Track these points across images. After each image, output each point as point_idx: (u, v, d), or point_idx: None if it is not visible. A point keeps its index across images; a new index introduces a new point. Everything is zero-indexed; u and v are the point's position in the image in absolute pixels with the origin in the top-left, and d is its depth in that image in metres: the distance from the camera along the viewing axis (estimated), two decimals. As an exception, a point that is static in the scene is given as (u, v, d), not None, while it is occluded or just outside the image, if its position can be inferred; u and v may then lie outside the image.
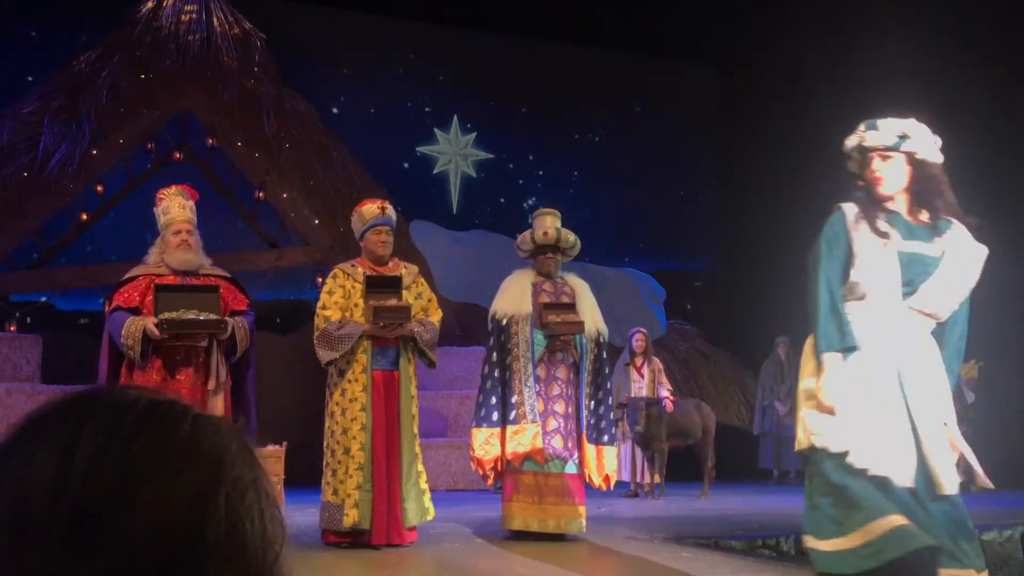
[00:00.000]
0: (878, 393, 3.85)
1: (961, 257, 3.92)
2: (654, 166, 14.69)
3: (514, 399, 6.39)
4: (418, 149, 14.21)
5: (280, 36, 12.08)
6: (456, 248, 13.16)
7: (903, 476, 3.77)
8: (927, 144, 3.95)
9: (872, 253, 3.86)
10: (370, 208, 6.21)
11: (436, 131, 14.30)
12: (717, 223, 14.73)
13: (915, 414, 3.83)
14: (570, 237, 6.70)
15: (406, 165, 14.13)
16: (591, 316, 6.55)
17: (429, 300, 6.25)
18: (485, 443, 6.44)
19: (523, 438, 6.33)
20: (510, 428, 6.39)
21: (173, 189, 5.59)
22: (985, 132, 11.38)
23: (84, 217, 11.40)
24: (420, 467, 6.09)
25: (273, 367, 10.45)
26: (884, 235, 3.87)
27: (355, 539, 5.92)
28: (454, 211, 14.27)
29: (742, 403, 12.93)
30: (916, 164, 3.93)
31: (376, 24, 13.70)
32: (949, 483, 3.80)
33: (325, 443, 6.06)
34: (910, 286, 3.88)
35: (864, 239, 3.88)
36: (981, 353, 11.58)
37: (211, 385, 5.32)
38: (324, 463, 6.05)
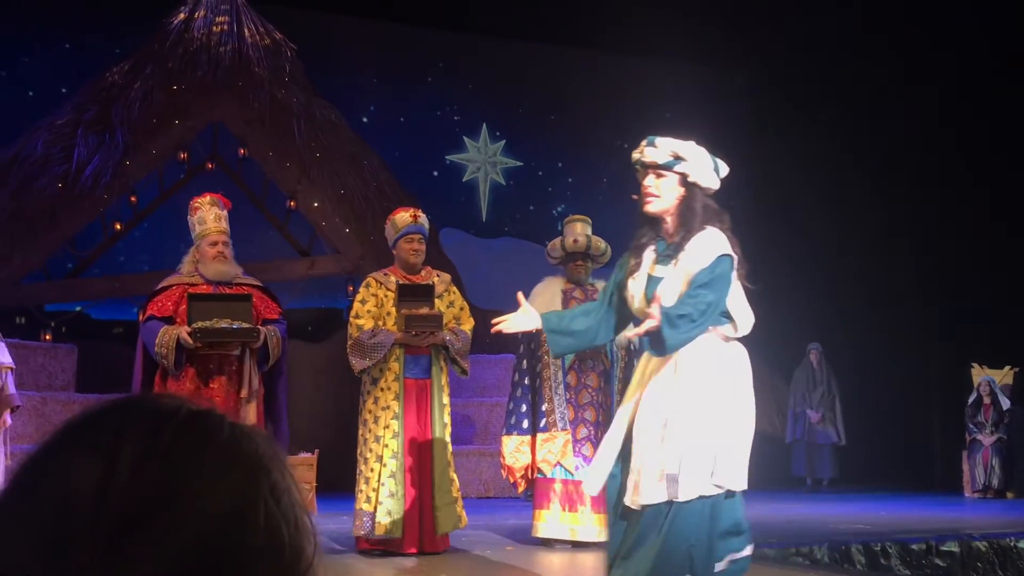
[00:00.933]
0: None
1: (685, 261, 3.84)
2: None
3: (544, 407, 6.39)
4: (447, 157, 14.24)
5: (310, 47, 12.15)
6: (485, 256, 13.17)
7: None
8: (702, 168, 3.91)
9: (631, 279, 3.92)
10: (403, 216, 6.24)
11: (465, 139, 14.32)
12: (747, 229, 14.65)
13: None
14: (601, 244, 6.70)
15: (435, 173, 14.16)
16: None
17: (461, 308, 6.27)
18: (515, 451, 6.44)
19: (553, 446, 6.33)
20: (540, 436, 6.39)
21: (207, 198, 5.63)
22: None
23: (118, 227, 11.50)
24: (452, 475, 6.10)
25: (304, 375, 10.50)
26: (638, 262, 3.92)
27: (387, 547, 5.94)
28: (483, 219, 14.28)
29: (774, 410, 12.85)
30: (688, 187, 3.90)
31: (405, 33, 13.75)
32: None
33: (358, 451, 6.08)
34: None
35: (628, 266, 3.96)
36: (1017, 359, 11.47)
37: (244, 393, 5.35)
38: (357, 471, 6.07)
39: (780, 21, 12.73)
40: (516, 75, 14.14)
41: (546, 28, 13.54)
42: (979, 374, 11.39)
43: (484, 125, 14.39)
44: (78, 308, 11.92)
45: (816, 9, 12.20)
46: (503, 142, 14.47)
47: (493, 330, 4.03)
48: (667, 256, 3.89)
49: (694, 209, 3.89)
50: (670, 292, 3.77)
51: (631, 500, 3.79)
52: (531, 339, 6.52)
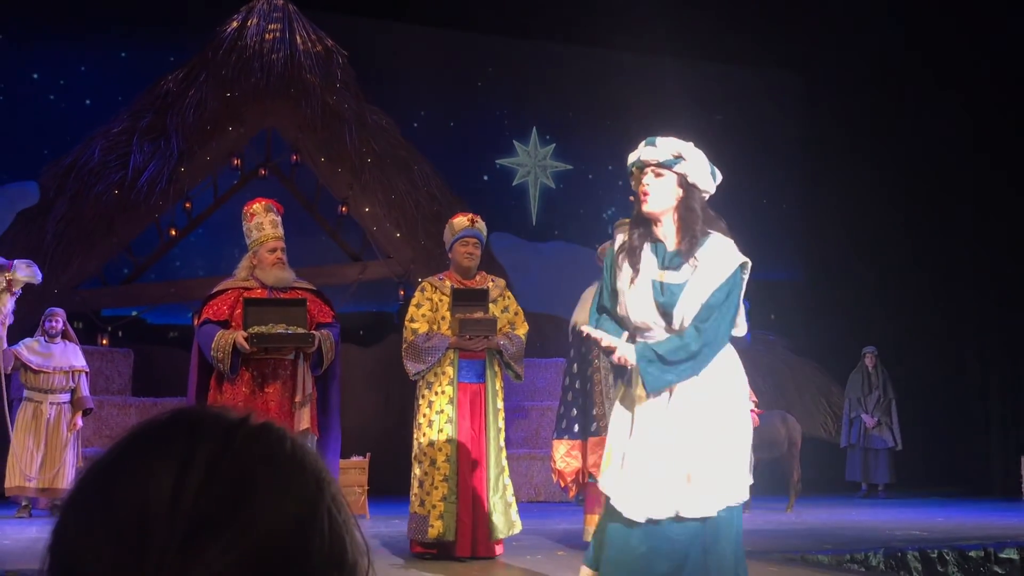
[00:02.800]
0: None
1: (705, 270, 3.76)
2: (736, 174, 14.55)
3: (595, 411, 6.37)
4: (497, 161, 14.27)
5: (361, 53, 12.24)
6: (535, 259, 13.17)
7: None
8: (701, 170, 3.84)
9: (628, 286, 3.81)
10: (460, 220, 6.28)
11: (515, 143, 14.35)
12: (800, 232, 14.53)
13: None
14: (652, 248, 6.67)
15: (486, 177, 14.20)
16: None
17: (515, 313, 6.28)
18: (566, 455, 6.43)
19: (604, 450, 6.30)
20: (591, 440, 6.37)
21: (261, 204, 5.67)
22: None
23: (173, 233, 11.67)
24: (507, 479, 6.11)
25: (356, 379, 10.57)
26: (636, 268, 3.80)
27: (441, 550, 5.95)
28: (534, 222, 14.29)
29: (828, 414, 12.72)
30: (687, 187, 3.83)
31: (454, 38, 13.81)
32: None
33: (413, 454, 6.11)
34: (666, 317, 3.76)
35: (625, 266, 3.84)
36: None
37: (298, 398, 5.39)
38: (412, 474, 6.09)
39: (832, 27, 12.60)
40: (565, 78, 14.14)
41: (595, 31, 13.52)
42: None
43: (534, 129, 14.40)
44: (134, 313, 12.11)
45: (865, 20, 12.06)
46: (553, 146, 14.46)
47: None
48: (676, 262, 3.80)
49: (694, 210, 3.83)
50: (693, 302, 3.73)
51: (667, 511, 3.69)
52: (582, 343, 6.50)
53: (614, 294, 3.92)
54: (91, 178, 11.05)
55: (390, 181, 11.69)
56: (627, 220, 6.86)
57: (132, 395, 10.72)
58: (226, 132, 11.48)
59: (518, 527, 6.11)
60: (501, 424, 6.12)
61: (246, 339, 5.24)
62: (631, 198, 4.02)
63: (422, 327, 6.03)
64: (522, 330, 6.21)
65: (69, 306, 9.62)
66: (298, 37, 11.74)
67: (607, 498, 3.84)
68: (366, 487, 8.84)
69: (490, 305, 6.07)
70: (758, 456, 9.82)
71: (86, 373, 8.68)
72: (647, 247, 3.86)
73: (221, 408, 0.85)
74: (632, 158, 3.93)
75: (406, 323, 6.10)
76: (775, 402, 11.91)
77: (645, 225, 3.89)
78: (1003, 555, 6.59)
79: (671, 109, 14.20)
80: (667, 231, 3.86)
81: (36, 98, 12.48)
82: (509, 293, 6.36)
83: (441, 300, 6.10)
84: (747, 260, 3.82)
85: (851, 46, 12.88)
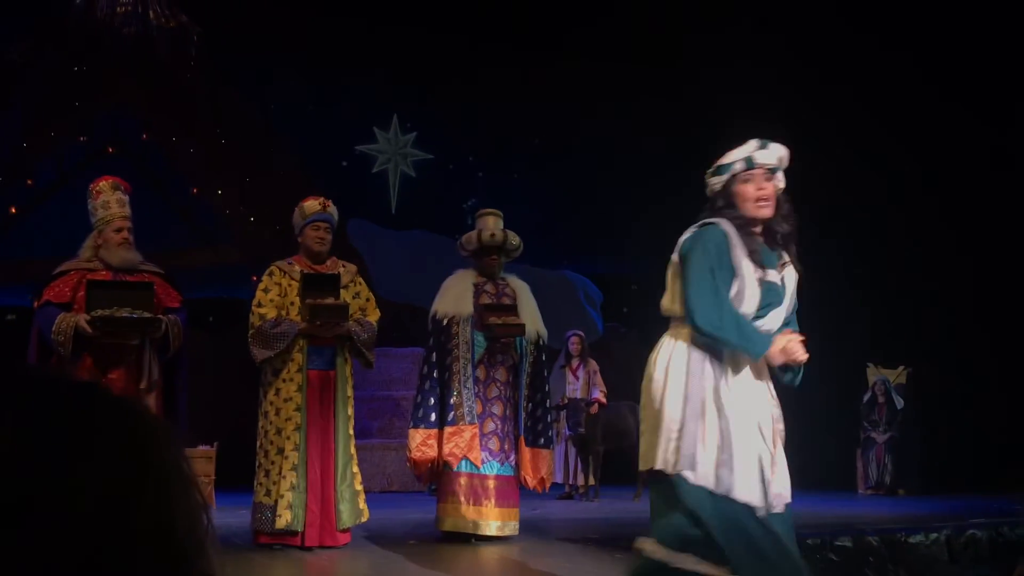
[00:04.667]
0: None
1: (791, 286, 4.01)
2: (596, 169, 14.73)
3: (452, 400, 6.37)
4: (357, 148, 14.11)
5: (219, 31, 11.93)
6: (395, 248, 13.09)
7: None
8: (783, 180, 4.03)
9: (751, 278, 3.87)
10: (311, 204, 6.17)
11: (375, 130, 14.22)
12: (650, 226, 14.77)
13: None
14: (515, 239, 6.70)
15: (344, 163, 14.02)
16: (532, 318, 6.56)
17: (367, 300, 6.21)
18: (422, 444, 6.41)
19: (460, 439, 6.32)
20: (447, 429, 6.37)
21: (108, 182, 5.46)
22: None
23: (13, 210, 11.16)
24: (355, 468, 6.05)
25: (205, 366, 10.30)
26: (759, 263, 3.88)
27: (287, 541, 5.86)
28: (393, 211, 14.20)
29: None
30: (779, 193, 3.99)
31: (317, 21, 13.58)
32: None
33: (258, 443, 5.98)
34: (762, 313, 3.91)
35: (744, 262, 3.86)
36: (910, 359, 11.79)
37: (143, 384, 5.22)
38: (257, 463, 5.97)
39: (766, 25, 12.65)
40: (426, 66, 14.06)
41: (459, 19, 13.49)
42: (874, 373, 11.70)
43: (395, 116, 14.30)
44: (-31, 293, 11.54)
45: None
46: (414, 134, 14.39)
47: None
48: (770, 260, 3.92)
49: (788, 216, 3.97)
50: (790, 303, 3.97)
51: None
52: (441, 332, 6.50)
53: (732, 280, 3.87)
54: (-76, 150, 10.48)
55: (245, 163, 11.45)
56: (490, 210, 6.89)
57: (-35, 379, 10.22)
58: (73, 107, 11.03)
59: (366, 516, 6.07)
60: (351, 412, 6.05)
61: (88, 322, 5.05)
62: (729, 199, 3.92)
63: (270, 312, 5.90)
64: (374, 316, 6.15)
65: None
66: (151, 12, 11.37)
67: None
68: (213, 477, 8.64)
69: (341, 291, 5.99)
70: (608, 446, 10.01)
71: None
72: (753, 243, 3.90)
73: (44, 370, 0.77)
74: (741, 155, 3.90)
75: (253, 308, 5.95)
76: (625, 393, 12.13)
77: (746, 225, 3.90)
78: (838, 543, 6.86)
79: (532, 101, 14.27)
80: (761, 235, 3.95)
81: None
82: (361, 279, 6.28)
83: (290, 285, 5.98)
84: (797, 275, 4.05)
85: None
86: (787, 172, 4.00)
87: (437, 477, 6.50)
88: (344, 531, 5.98)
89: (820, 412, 12.59)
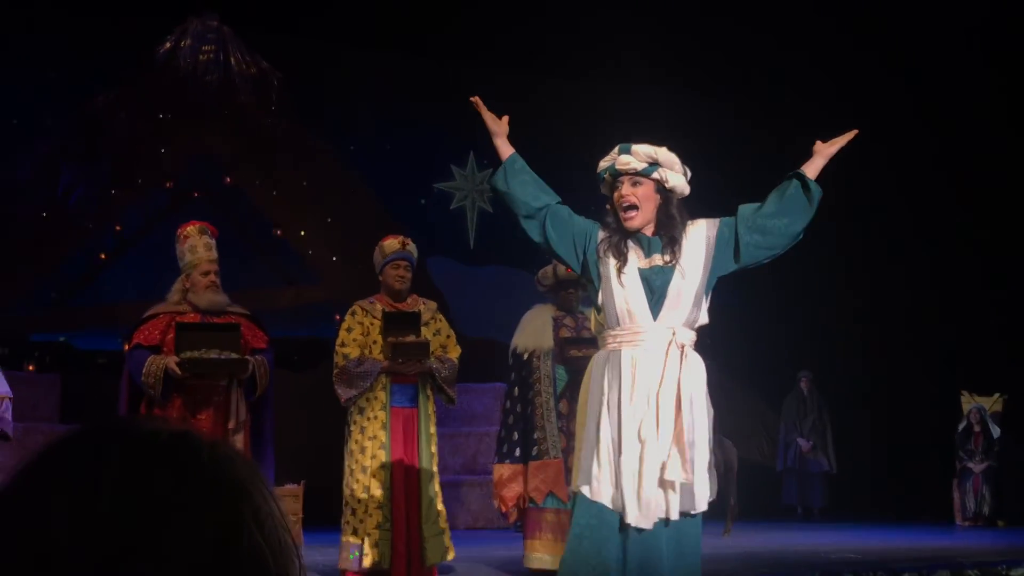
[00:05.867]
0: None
1: (693, 247, 3.88)
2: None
3: (536, 435, 6.34)
4: (435, 185, 14.21)
5: (297, 75, 12.14)
6: (473, 284, 13.13)
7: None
8: (676, 173, 3.90)
9: (615, 277, 3.82)
10: (391, 243, 6.21)
11: (452, 167, 14.31)
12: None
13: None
14: (592, 273, 6.66)
15: (423, 201, 14.12)
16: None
17: (448, 336, 6.22)
18: (507, 480, 6.38)
19: (546, 474, 6.27)
20: (532, 464, 6.33)
21: (195, 227, 5.57)
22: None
23: (102, 256, 11.44)
24: (440, 506, 6.03)
25: (290, 405, 10.40)
26: (623, 258, 3.82)
27: (375, 579, 5.85)
28: (471, 246, 14.24)
29: (764, 438, 12.80)
30: (664, 193, 3.87)
31: (392, 61, 13.75)
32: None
33: (344, 482, 6.00)
34: (658, 302, 3.82)
35: (608, 265, 3.85)
36: (1006, 386, 11.46)
37: (231, 424, 5.29)
38: (343, 502, 5.99)
39: (766, 50, 12.73)
40: (502, 103, 14.14)
41: (531, 56, 13.56)
42: (969, 402, 11.38)
43: (471, 153, 14.38)
44: (62, 338, 11.83)
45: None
46: (490, 170, 14.42)
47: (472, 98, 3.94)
48: (655, 247, 3.86)
49: (673, 216, 3.87)
50: (689, 281, 3.82)
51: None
52: (522, 367, 6.48)
53: (596, 280, 3.89)
54: (19, 200, 10.81)
55: (326, 204, 11.60)
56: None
57: (60, 422, 10.45)
58: (158, 154, 11.31)
59: (452, 554, 6.04)
60: (434, 449, 6.04)
61: (178, 364, 5.13)
62: (607, 206, 3.99)
63: (353, 352, 5.94)
64: (455, 353, 6.15)
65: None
66: (232, 59, 11.62)
67: None
68: (301, 515, 8.69)
69: (422, 328, 6.01)
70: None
71: (10, 400, 8.43)
72: (624, 241, 3.87)
73: (139, 420, 0.77)
74: (604, 165, 3.91)
75: (337, 348, 6.00)
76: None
77: (624, 233, 3.88)
78: (936, 577, 6.66)
79: (607, 132, 14.25)
80: (647, 231, 3.91)
81: (-39, 118, 12.19)
82: (441, 316, 6.30)
83: (372, 324, 6.02)
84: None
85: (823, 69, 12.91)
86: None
87: (523, 514, 6.45)
88: (430, 569, 5.96)
89: (914, 443, 12.29)
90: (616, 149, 3.91)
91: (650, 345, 3.78)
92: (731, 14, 11.91)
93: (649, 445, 3.68)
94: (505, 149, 3.98)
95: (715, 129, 12.90)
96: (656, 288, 3.80)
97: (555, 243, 3.92)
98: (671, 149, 3.95)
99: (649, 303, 3.80)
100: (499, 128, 4.02)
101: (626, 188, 3.84)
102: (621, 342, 3.80)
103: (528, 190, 3.92)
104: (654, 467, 3.68)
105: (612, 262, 3.83)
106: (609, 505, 3.68)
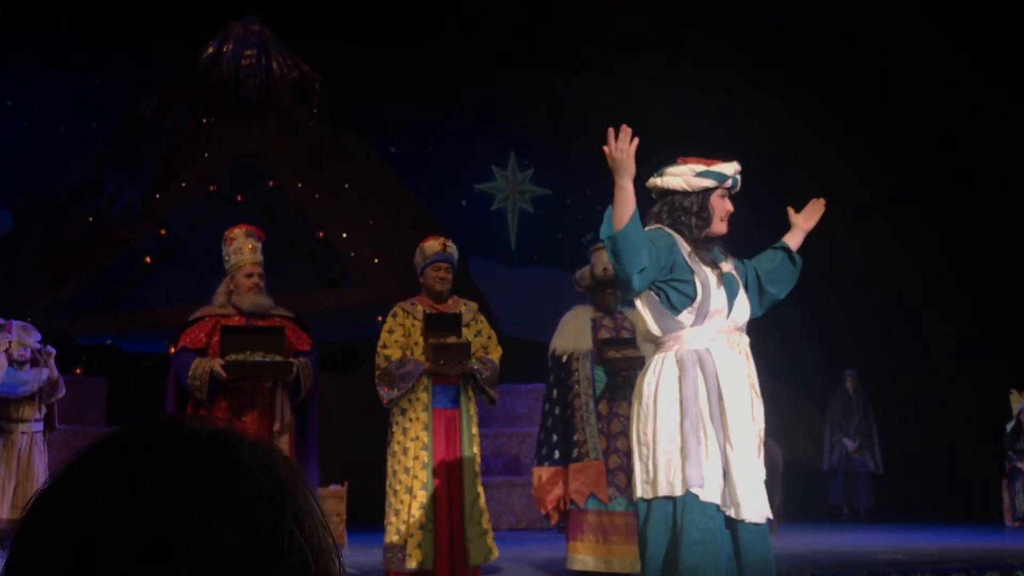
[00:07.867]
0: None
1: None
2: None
3: (576, 437, 6.33)
4: (476, 186, 14.25)
5: (337, 78, 12.21)
6: (515, 284, 13.14)
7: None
8: None
9: (713, 282, 3.99)
10: (432, 244, 6.23)
11: (493, 168, 14.33)
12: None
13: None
14: (630, 272, 6.64)
15: (464, 202, 14.16)
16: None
17: (489, 337, 6.22)
18: (548, 481, 6.38)
19: (586, 476, 6.26)
20: (573, 466, 6.32)
21: (242, 229, 5.61)
22: None
23: (148, 260, 11.58)
24: (482, 506, 6.04)
25: (334, 407, 10.47)
26: (716, 264, 4.04)
27: (419, 580, 5.87)
28: (512, 247, 14.26)
29: (809, 438, 12.69)
30: None
31: (431, 63, 13.80)
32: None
33: (387, 483, 6.02)
34: (731, 304, 4.04)
35: (703, 270, 4.00)
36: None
37: (276, 427, 5.32)
38: (387, 503, 6.01)
39: (805, 50, 12.65)
40: (542, 103, 14.14)
41: (573, 55, 13.54)
42: (1018, 400, 11.20)
43: (512, 154, 14.39)
44: (109, 341, 11.98)
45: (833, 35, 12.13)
46: (531, 171, 14.46)
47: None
48: (724, 259, 4.15)
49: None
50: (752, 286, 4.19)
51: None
52: (561, 369, 6.47)
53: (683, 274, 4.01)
54: (65, 205, 10.96)
55: (368, 206, 11.66)
56: (602, 244, 6.84)
57: (107, 425, 10.58)
58: (202, 158, 11.42)
59: (495, 554, 6.04)
60: (477, 450, 6.05)
61: (223, 367, 5.17)
62: (686, 203, 4.15)
63: (395, 353, 5.96)
64: (496, 354, 6.15)
65: (42, 333, 9.50)
66: (274, 63, 11.72)
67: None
68: (344, 516, 8.74)
69: (463, 329, 6.01)
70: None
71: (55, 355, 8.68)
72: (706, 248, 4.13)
73: (181, 418, 0.79)
74: (727, 171, 4.03)
75: (378, 349, 6.02)
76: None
77: (703, 240, 4.11)
78: (986, 578, 6.57)
79: (648, 132, 14.20)
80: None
81: (10, 125, 12.36)
82: (482, 317, 6.30)
83: (414, 325, 6.03)
84: None
85: (823, 69, 12.90)
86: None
87: (565, 515, 6.45)
88: (474, 569, 5.96)
89: (962, 442, 12.14)
90: (734, 162, 4.12)
91: (731, 345, 4.01)
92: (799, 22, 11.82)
93: (752, 442, 3.85)
94: (631, 199, 3.93)
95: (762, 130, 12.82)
96: (732, 292, 4.04)
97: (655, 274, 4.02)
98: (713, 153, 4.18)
99: (728, 305, 4.03)
100: (631, 168, 4.01)
101: (728, 202, 4.13)
102: (709, 341, 3.96)
103: (642, 251, 3.96)
104: (758, 463, 3.87)
105: (707, 268, 4.01)
106: (720, 503, 3.71)
